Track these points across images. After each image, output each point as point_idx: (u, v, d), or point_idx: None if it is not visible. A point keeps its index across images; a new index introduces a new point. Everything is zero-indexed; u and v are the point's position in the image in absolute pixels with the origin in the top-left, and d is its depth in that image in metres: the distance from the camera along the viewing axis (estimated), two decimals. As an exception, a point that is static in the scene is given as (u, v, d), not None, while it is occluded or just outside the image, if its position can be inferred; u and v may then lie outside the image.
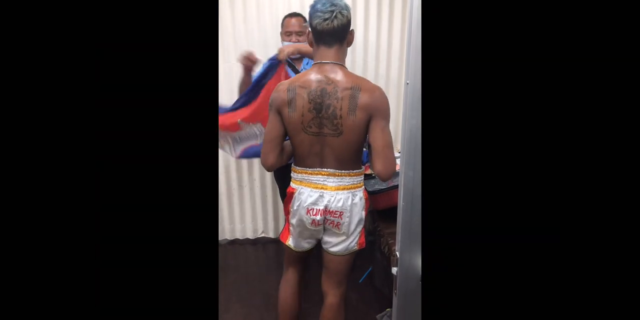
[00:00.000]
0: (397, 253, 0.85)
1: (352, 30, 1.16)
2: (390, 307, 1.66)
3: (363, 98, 1.09)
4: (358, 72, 2.26)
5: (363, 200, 1.22)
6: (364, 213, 1.22)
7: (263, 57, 2.18)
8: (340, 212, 1.17)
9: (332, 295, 1.28)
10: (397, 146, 1.65)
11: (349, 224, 1.19)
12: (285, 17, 1.88)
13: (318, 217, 1.18)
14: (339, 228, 1.20)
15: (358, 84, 1.11)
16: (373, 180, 1.84)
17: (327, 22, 1.09)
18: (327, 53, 1.14)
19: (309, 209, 1.18)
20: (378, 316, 1.66)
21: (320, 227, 1.22)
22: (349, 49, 2.25)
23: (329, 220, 1.19)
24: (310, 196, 1.18)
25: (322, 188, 1.17)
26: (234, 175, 2.40)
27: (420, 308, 0.65)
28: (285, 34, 1.83)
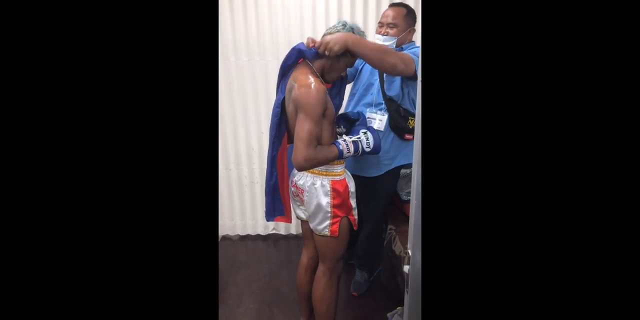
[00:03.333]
0: (409, 251, 0.85)
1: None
2: (401, 305, 1.65)
3: (294, 92, 1.23)
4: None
5: (326, 188, 1.33)
6: (325, 200, 1.33)
7: (261, 55, 2.19)
8: (302, 190, 1.37)
9: (318, 269, 1.49)
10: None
11: (309, 203, 1.36)
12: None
13: (293, 189, 1.44)
14: (302, 202, 1.41)
15: (296, 79, 1.24)
16: (400, 181, 1.83)
17: (327, 29, 1.33)
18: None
19: (291, 179, 1.44)
20: (389, 314, 1.66)
21: (297, 199, 1.44)
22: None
23: (297, 193, 1.41)
24: (295, 170, 1.41)
25: None
26: (245, 171, 2.42)
27: (422, 306, 0.65)
28: (379, 25, 1.63)
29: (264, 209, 1.50)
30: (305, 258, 1.58)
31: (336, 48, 1.24)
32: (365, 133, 1.33)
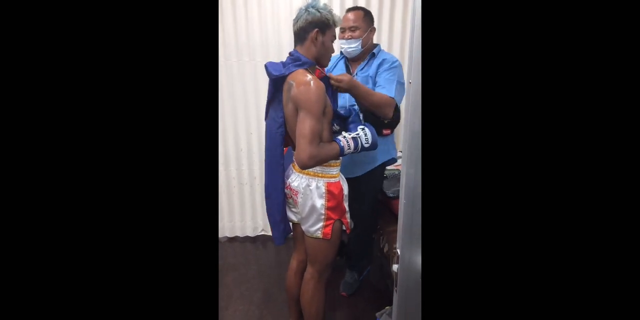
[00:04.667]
0: (398, 250, 0.86)
1: (316, 30, 1.26)
2: (389, 305, 1.67)
3: (293, 91, 1.22)
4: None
5: (321, 190, 1.32)
6: (320, 202, 1.33)
7: (250, 55, 2.19)
8: (296, 191, 1.35)
9: (306, 271, 1.48)
10: (400, 145, 1.63)
11: (303, 205, 1.35)
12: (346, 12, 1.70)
13: (286, 191, 1.41)
14: (296, 204, 1.39)
15: (294, 78, 1.23)
16: (385, 181, 1.84)
17: (293, 26, 1.29)
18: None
19: (286, 181, 1.41)
20: (377, 314, 1.67)
21: (291, 200, 1.42)
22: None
23: (291, 195, 1.40)
24: (289, 171, 1.42)
25: (293, 167, 1.40)
26: (234, 173, 2.41)
27: (421, 305, 0.66)
28: (340, 30, 1.67)
29: (273, 234, 1.45)
30: (295, 262, 1.58)
31: (340, 91, 1.38)
32: (363, 129, 1.33)
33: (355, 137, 1.31)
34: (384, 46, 2.24)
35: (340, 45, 1.69)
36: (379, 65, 1.65)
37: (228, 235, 2.54)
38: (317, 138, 1.20)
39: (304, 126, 1.18)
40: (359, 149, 1.32)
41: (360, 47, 1.65)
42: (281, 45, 2.17)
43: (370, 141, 1.33)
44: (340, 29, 1.66)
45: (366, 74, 1.67)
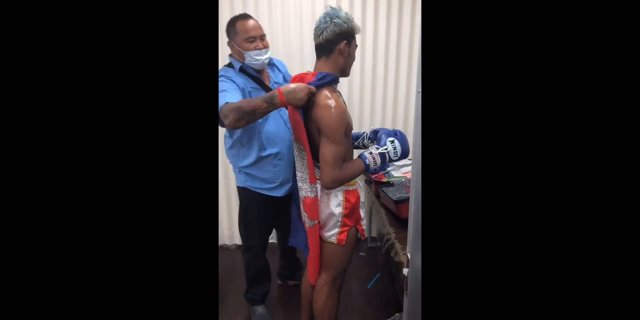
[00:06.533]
0: (409, 254, 0.88)
1: (344, 42, 1.23)
2: (398, 312, 1.67)
3: (314, 112, 1.23)
4: (367, 79, 2.30)
5: (339, 198, 1.35)
6: (338, 210, 1.36)
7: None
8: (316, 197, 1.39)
9: (320, 277, 1.47)
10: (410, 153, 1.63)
11: (321, 212, 1.38)
12: (237, 20, 1.49)
13: None
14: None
15: (316, 97, 1.23)
16: (392, 188, 1.85)
17: (315, 38, 1.25)
18: (317, 65, 1.30)
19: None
20: (386, 321, 1.67)
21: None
22: (358, 57, 2.22)
23: None
24: None
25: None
26: (243, 180, 2.43)
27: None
28: (247, 40, 1.47)
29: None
30: None
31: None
32: (392, 142, 1.30)
33: (384, 152, 1.30)
34: (392, 54, 2.27)
35: (251, 57, 1.50)
36: (280, 70, 1.66)
37: (237, 243, 2.56)
38: (340, 161, 1.23)
39: (326, 152, 1.21)
40: (387, 162, 1.32)
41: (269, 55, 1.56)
42: (291, 53, 2.21)
43: (399, 153, 1.31)
44: (250, 38, 1.48)
45: (279, 81, 1.64)
